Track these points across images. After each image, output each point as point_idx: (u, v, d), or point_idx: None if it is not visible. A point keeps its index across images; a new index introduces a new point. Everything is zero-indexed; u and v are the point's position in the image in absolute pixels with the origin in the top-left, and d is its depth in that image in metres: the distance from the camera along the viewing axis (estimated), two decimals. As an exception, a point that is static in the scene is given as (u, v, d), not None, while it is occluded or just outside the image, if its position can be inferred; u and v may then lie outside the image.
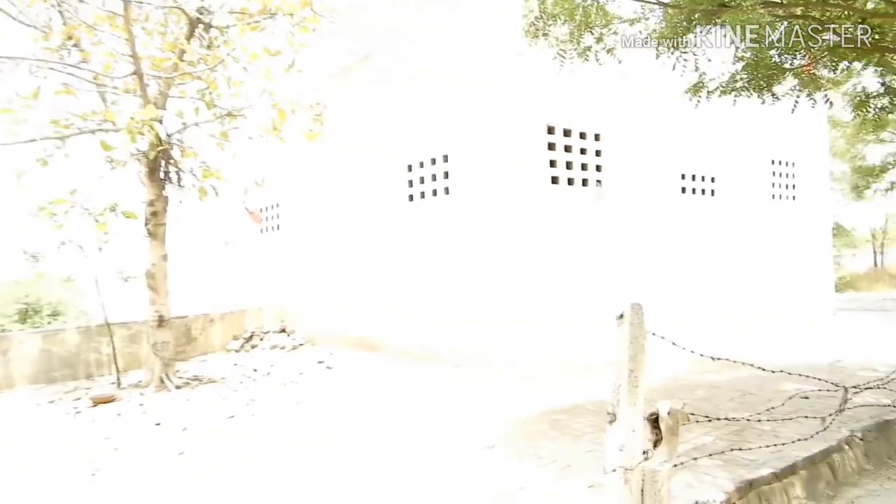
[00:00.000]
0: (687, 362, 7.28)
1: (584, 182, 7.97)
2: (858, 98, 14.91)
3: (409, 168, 8.75)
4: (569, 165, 7.81)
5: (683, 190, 9.21)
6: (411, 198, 8.77)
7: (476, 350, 7.65)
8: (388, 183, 9.16)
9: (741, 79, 5.78)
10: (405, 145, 8.78)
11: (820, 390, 3.63)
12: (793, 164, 10.96)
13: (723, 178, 9.69)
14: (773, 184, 10.62)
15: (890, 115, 15.09)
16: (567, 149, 7.82)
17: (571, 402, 5.80)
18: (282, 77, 7.94)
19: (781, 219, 10.70)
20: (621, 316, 2.48)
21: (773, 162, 10.62)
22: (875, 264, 26.63)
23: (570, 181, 7.82)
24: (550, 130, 7.63)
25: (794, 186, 10.98)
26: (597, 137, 8.11)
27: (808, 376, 3.49)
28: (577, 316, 7.65)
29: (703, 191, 9.45)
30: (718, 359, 3.10)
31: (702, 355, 3.11)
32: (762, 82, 5.64)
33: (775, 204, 10.61)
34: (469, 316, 7.76)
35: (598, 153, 8.11)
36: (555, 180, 7.67)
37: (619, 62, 7.44)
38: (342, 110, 10.01)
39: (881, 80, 15.24)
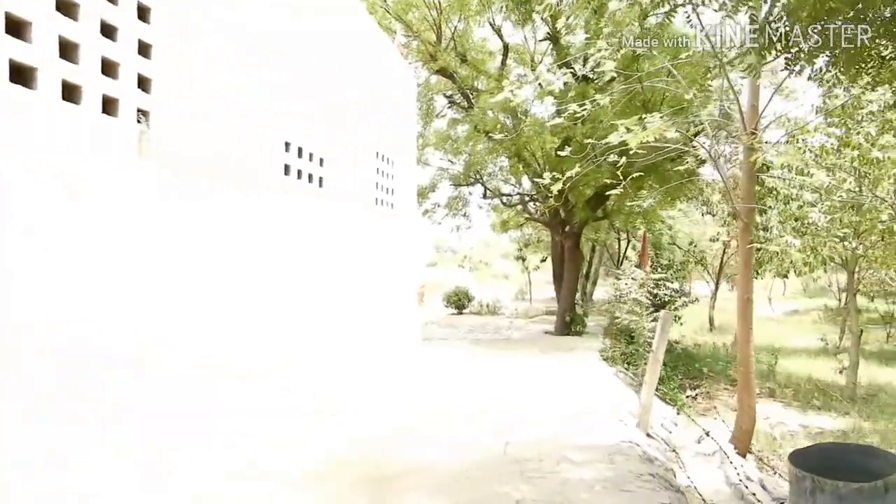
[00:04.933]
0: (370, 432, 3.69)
1: (108, 107, 3.46)
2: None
3: None
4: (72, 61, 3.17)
5: (287, 170, 5.67)
6: None
7: None
8: None
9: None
10: None
11: None
12: (393, 163, 8.89)
13: (332, 164, 6.63)
14: (377, 184, 8.24)
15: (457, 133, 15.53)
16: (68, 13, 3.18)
17: None
18: None
19: (385, 230, 8.43)
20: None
21: (377, 156, 8.24)
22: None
23: (70, 94, 3.20)
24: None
25: (393, 192, 8.91)
26: (143, 16, 3.72)
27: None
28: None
29: (310, 176, 6.13)
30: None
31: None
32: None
33: (379, 210, 8.25)
34: None
35: (143, 50, 3.73)
36: (17, 78, 2.93)
37: None
38: None
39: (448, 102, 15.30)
